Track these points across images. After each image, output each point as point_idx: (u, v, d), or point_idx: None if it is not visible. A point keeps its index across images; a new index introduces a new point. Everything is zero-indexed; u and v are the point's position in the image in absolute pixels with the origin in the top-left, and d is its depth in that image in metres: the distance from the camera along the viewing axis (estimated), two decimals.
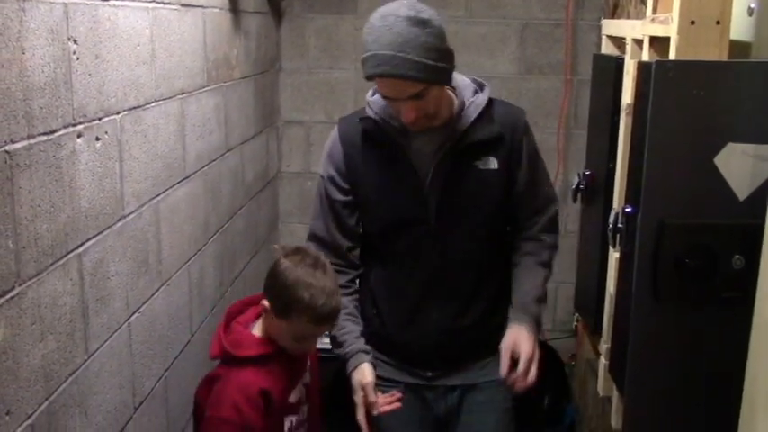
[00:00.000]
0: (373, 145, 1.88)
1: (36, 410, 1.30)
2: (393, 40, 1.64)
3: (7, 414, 1.21)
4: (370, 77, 1.71)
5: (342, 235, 1.94)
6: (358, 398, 1.86)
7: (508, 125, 1.91)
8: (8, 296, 1.21)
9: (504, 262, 2.01)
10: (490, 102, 1.91)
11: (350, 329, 1.94)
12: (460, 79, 1.91)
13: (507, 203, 1.93)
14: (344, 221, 1.94)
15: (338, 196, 1.92)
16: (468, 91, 1.90)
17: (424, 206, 1.87)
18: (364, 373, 1.87)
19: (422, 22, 1.67)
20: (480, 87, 1.94)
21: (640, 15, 2.20)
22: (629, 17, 2.62)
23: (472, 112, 1.86)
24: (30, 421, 1.28)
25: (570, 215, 3.26)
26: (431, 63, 1.68)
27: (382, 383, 1.94)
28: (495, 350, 1.90)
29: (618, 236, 1.70)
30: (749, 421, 1.14)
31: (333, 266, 1.83)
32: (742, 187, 1.35)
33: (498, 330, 1.92)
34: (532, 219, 1.99)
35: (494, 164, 1.88)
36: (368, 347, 1.94)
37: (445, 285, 1.92)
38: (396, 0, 1.73)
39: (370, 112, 1.88)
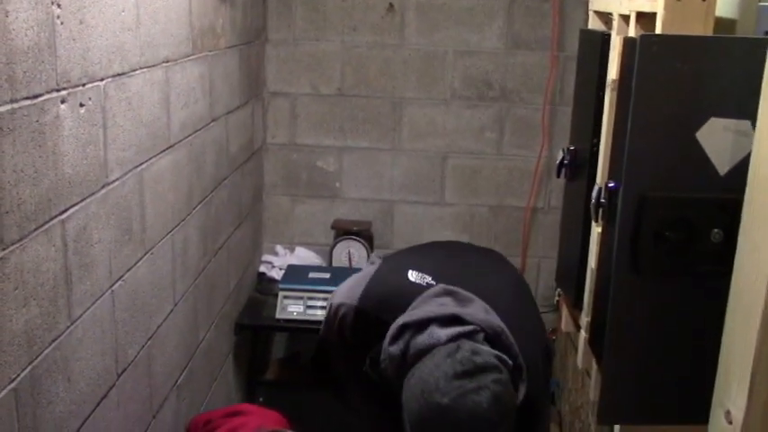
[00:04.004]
0: None
1: (19, 375, 1.30)
2: None
3: None
4: None
5: None
6: None
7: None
8: None
9: None
10: None
11: None
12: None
13: None
14: None
15: None
16: None
17: None
18: None
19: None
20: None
21: None
22: None
23: None
24: (13, 385, 1.28)
25: (554, 191, 3.28)
26: None
27: None
28: None
29: (600, 210, 1.71)
30: (724, 393, 1.16)
31: None
32: (723, 162, 1.37)
33: None
34: None
35: None
36: None
37: None
38: (471, 378, 1.48)
39: None
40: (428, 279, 1.80)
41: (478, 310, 1.65)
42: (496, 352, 1.55)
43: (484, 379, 1.48)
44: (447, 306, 1.64)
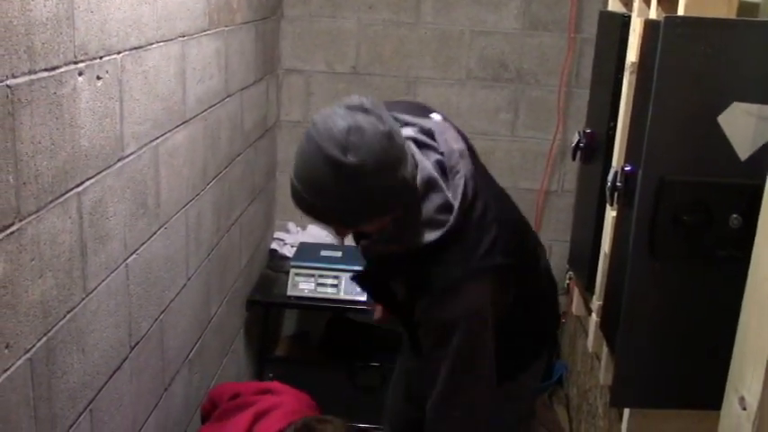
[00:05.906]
0: None
1: (35, 345, 1.31)
2: (306, 176, 1.49)
3: (6, 348, 1.22)
4: None
5: None
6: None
7: (423, 283, 1.60)
8: (8, 231, 1.21)
9: None
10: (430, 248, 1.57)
11: None
12: (428, 205, 1.58)
13: None
14: None
15: None
16: (426, 223, 1.58)
17: None
18: None
19: (341, 168, 1.43)
20: (442, 218, 1.57)
21: None
22: None
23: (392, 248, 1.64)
24: (28, 355, 1.29)
25: (568, 173, 3.27)
26: (340, 209, 1.51)
27: None
28: None
29: (616, 194, 1.70)
30: (739, 379, 1.16)
31: None
32: (744, 147, 1.35)
33: None
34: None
35: (400, 292, 1.71)
36: None
37: None
38: (347, 109, 1.48)
39: None
40: None
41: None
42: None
43: (358, 115, 1.47)
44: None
